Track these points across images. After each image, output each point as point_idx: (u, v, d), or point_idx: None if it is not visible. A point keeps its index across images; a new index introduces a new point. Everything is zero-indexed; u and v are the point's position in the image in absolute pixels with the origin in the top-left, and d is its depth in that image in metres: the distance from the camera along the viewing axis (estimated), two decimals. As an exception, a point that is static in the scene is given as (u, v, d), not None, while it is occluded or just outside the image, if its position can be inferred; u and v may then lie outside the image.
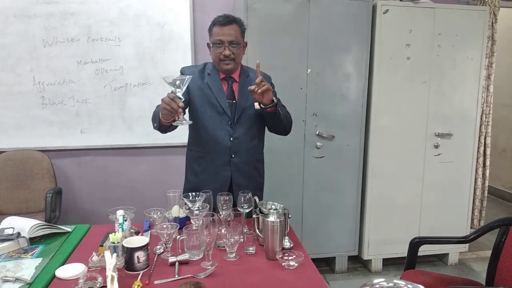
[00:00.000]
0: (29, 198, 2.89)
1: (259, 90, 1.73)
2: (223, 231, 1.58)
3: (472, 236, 2.07)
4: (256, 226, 1.67)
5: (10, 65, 2.87)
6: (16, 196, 2.88)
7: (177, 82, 1.59)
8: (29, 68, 2.90)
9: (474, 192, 3.47)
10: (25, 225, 1.71)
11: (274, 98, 1.81)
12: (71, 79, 2.96)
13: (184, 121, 1.67)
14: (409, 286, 1.18)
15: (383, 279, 1.22)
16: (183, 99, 1.65)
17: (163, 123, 1.78)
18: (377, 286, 1.22)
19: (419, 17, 2.86)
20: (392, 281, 1.22)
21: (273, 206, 1.63)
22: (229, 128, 1.93)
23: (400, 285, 1.19)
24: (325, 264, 3.14)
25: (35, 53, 2.89)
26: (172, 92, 1.65)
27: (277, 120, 1.90)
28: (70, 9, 2.88)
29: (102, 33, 2.94)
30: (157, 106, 1.93)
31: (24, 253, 1.60)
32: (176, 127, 1.82)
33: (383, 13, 2.81)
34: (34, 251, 1.62)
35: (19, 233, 1.67)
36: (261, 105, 1.81)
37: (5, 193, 2.87)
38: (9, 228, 1.69)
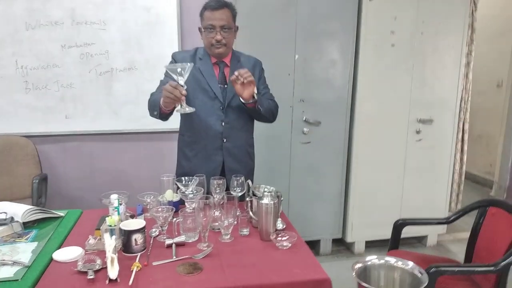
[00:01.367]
0: (13, 184, 2.85)
1: (243, 80, 1.75)
2: (217, 213, 1.62)
3: (452, 217, 2.18)
4: (249, 209, 1.72)
5: (-9, 48, 2.80)
6: (0, 183, 2.83)
7: (179, 70, 1.61)
8: (11, 52, 2.83)
9: (452, 176, 3.60)
10: (18, 210, 1.71)
11: (255, 95, 1.84)
12: (55, 63, 2.90)
13: (186, 109, 1.69)
14: (399, 262, 1.25)
15: (375, 257, 1.29)
16: (185, 87, 1.66)
17: (164, 111, 1.79)
18: (369, 263, 1.29)
19: (404, 4, 2.92)
20: (383, 258, 1.28)
21: (266, 189, 1.68)
22: (221, 113, 1.95)
23: (391, 261, 1.26)
24: (310, 247, 3.19)
25: (17, 36, 2.81)
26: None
27: (257, 114, 1.95)
28: (53, -9, 2.81)
29: (86, 16, 2.88)
30: (152, 94, 1.94)
31: (18, 237, 1.61)
32: (171, 114, 1.84)
33: (369, 0, 2.85)
34: (29, 235, 1.63)
35: (12, 218, 1.67)
36: (241, 100, 1.84)
37: (-11, 179, 2.82)
38: (2, 213, 1.68)
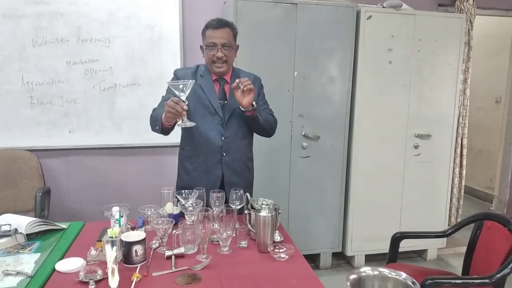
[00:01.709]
0: (17, 197, 2.89)
1: (243, 87, 1.81)
2: (216, 226, 1.66)
3: (450, 231, 2.20)
4: (248, 221, 1.75)
5: (-2, 64, 2.88)
6: (4, 196, 2.87)
7: (181, 86, 1.68)
8: (18, 68, 2.91)
9: (452, 191, 3.63)
10: (22, 222, 1.75)
11: (254, 103, 1.90)
12: (60, 79, 2.98)
13: (187, 123, 1.75)
14: (392, 273, 1.27)
15: (369, 268, 1.32)
16: (187, 102, 1.72)
17: (165, 126, 1.85)
18: (364, 274, 1.31)
19: (401, 23, 3.00)
20: (377, 270, 1.31)
21: (264, 202, 1.72)
22: (221, 128, 2.01)
23: (385, 272, 1.29)
24: (310, 261, 3.24)
25: (24, 52, 2.90)
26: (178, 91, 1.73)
27: (256, 124, 2.00)
28: (59, 10, 2.90)
29: (91, 34, 2.97)
30: (154, 110, 2.00)
31: (22, 248, 1.64)
32: (173, 128, 1.90)
33: (367, 19, 2.93)
34: (32, 246, 1.67)
35: (16, 230, 1.70)
36: (241, 108, 1.90)
37: (-7, 192, 2.87)
38: (6, 224, 1.72)
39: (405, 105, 3.09)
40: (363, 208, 3.13)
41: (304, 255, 3.20)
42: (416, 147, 3.15)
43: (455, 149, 3.60)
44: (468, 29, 3.57)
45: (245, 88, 1.83)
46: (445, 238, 3.35)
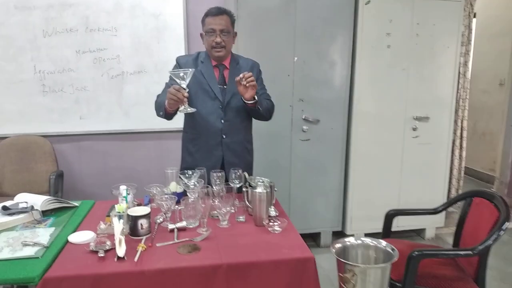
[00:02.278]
0: (32, 180, 3.06)
1: (246, 83, 1.91)
2: (216, 202, 1.79)
3: (441, 208, 2.30)
4: (245, 198, 1.88)
5: (11, 54, 3.02)
6: (20, 179, 3.05)
7: (181, 75, 1.80)
8: (30, 58, 3.05)
9: (451, 172, 3.70)
10: (38, 200, 1.90)
11: (255, 97, 2.00)
12: (70, 68, 3.12)
13: (188, 109, 1.88)
14: (373, 242, 1.39)
15: (352, 238, 1.44)
16: (187, 90, 1.84)
17: (168, 112, 1.98)
18: (348, 243, 1.44)
19: (399, 8, 3.05)
20: (359, 239, 1.43)
21: (260, 180, 1.84)
22: (220, 112, 2.12)
23: (366, 241, 1.41)
24: (311, 240, 3.37)
25: (36, 43, 3.04)
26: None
27: (257, 113, 2.11)
28: (68, 1, 3.02)
29: (99, 24, 3.09)
30: (158, 96, 2.13)
31: (38, 223, 1.79)
32: (176, 113, 2.02)
33: (365, 4, 2.99)
34: (47, 222, 1.82)
35: (32, 206, 1.85)
36: (243, 99, 2.01)
37: (10, 175, 3.04)
38: (23, 202, 1.87)
39: (403, 88, 3.17)
40: (362, 188, 3.23)
41: (305, 234, 3.36)
42: (414, 129, 3.23)
43: (455, 131, 3.67)
44: (469, 12, 3.60)
45: (247, 85, 1.93)
46: (444, 217, 3.46)
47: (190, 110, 1.91)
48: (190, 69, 1.83)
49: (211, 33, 2.06)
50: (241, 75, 1.93)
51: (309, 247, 1.55)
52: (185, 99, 1.86)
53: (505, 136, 4.25)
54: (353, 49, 3.06)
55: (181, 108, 1.90)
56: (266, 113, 2.16)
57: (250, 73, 1.94)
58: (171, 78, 2.12)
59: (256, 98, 2.01)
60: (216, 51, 2.08)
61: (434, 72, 3.21)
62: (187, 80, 1.84)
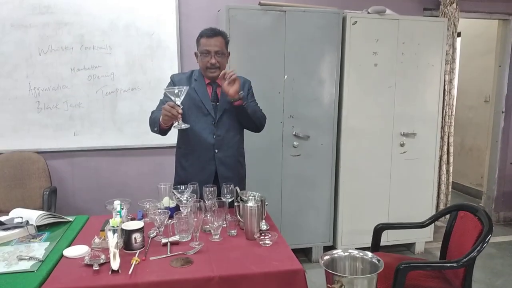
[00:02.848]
0: (26, 196, 3.08)
1: (228, 77, 2.01)
2: (208, 216, 1.83)
3: (427, 222, 2.36)
4: (237, 212, 1.93)
5: (7, 71, 3.07)
6: (13, 195, 3.06)
7: (176, 91, 1.87)
8: (25, 74, 3.10)
9: (439, 187, 3.78)
10: (32, 215, 1.93)
11: (241, 92, 2.09)
12: (65, 85, 3.17)
13: (182, 125, 1.94)
14: (360, 253, 1.45)
15: (340, 250, 1.49)
16: (181, 106, 1.91)
17: (163, 127, 2.04)
18: (336, 255, 1.49)
19: (385, 28, 3.17)
20: (347, 251, 1.48)
21: (251, 194, 1.89)
22: (213, 127, 2.19)
23: (353, 253, 1.46)
24: (303, 255, 3.40)
25: (31, 60, 3.09)
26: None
27: (245, 114, 2.16)
28: (64, 19, 3.09)
29: (94, 42, 3.16)
30: (152, 112, 2.19)
31: (33, 238, 1.82)
32: (170, 129, 2.08)
33: (352, 24, 3.11)
34: (41, 236, 1.85)
35: (27, 221, 1.88)
36: (229, 100, 2.08)
37: (3, 192, 3.05)
38: (18, 217, 1.90)
39: (390, 105, 3.26)
40: (352, 203, 3.30)
41: (297, 249, 3.40)
42: (402, 145, 3.32)
43: (442, 147, 3.76)
44: (453, 32, 3.73)
45: (229, 79, 2.01)
46: (432, 232, 3.53)
47: (184, 126, 1.97)
48: (185, 87, 1.90)
49: (206, 54, 2.13)
50: (222, 72, 2.04)
51: (300, 262, 1.59)
52: (179, 115, 1.92)
53: (491, 151, 4.36)
54: (341, 68, 3.16)
55: (175, 124, 1.97)
56: (255, 119, 2.21)
57: (231, 69, 2.04)
58: (165, 95, 2.18)
59: (240, 95, 2.08)
60: (211, 72, 2.15)
61: (420, 89, 3.31)
62: (182, 97, 1.91)
